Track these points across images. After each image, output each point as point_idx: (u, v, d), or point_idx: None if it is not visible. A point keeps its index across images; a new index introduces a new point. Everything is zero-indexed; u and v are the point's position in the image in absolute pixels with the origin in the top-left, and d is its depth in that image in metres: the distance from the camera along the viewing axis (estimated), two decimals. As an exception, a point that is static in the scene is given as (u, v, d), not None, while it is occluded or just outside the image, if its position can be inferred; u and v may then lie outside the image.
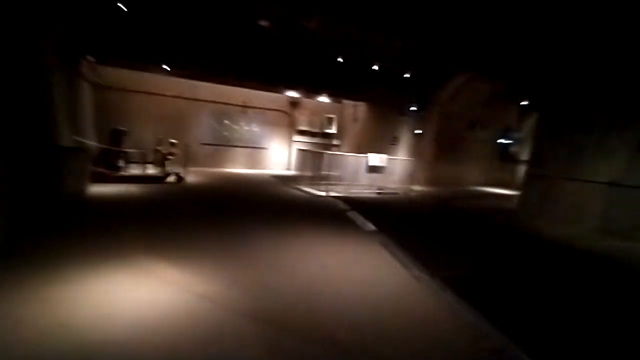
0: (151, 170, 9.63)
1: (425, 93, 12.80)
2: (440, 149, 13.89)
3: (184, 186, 8.79)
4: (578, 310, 3.55)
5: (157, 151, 9.92)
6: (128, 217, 5.52)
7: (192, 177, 10.50)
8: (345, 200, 8.68)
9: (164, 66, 10.48)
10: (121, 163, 9.68)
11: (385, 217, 7.28)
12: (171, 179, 9.12)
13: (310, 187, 9.82)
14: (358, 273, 3.96)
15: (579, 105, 7.73)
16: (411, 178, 10.96)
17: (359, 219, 6.69)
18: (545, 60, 7.94)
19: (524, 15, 6.78)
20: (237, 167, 14.24)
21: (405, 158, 11.04)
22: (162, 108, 12.66)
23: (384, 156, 10.18)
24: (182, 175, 9.20)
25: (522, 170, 18.30)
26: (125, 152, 9.77)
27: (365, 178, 10.13)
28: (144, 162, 9.72)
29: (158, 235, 4.64)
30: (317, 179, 9.68)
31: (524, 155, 17.94)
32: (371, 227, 6.18)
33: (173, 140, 9.38)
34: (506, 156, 16.92)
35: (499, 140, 16.43)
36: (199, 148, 13.45)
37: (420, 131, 13.28)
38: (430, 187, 13.16)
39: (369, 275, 3.94)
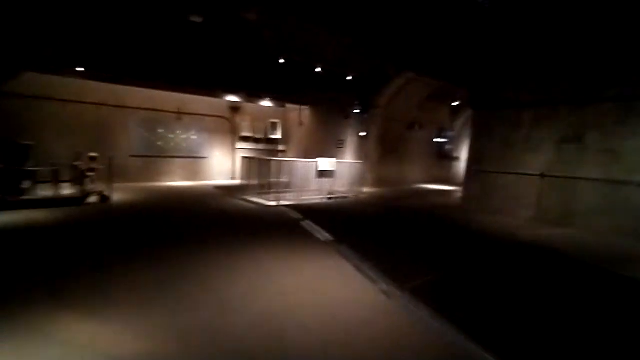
0: (68, 190, 8.21)
1: (368, 96, 12.96)
2: (384, 150, 14.21)
3: (109, 207, 7.60)
4: (542, 305, 3.58)
5: (74, 168, 8.50)
6: (26, 257, 4.42)
7: (121, 194, 9.22)
8: (298, 208, 8.26)
9: (79, 69, 9.08)
10: (25, 184, 8.11)
11: (341, 224, 7.02)
12: (93, 199, 7.85)
13: (258, 197, 9.22)
14: (322, 296, 3.57)
15: (508, 103, 8.30)
16: (360, 180, 10.92)
17: (315, 229, 6.32)
18: (478, 60, 8.41)
19: (459, 16, 7.06)
20: (175, 180, 13.00)
21: (353, 161, 10.98)
22: (80, 117, 11.01)
23: (333, 160, 9.98)
24: (106, 194, 7.97)
25: (456, 166, 19.70)
26: (30, 171, 8.22)
27: (316, 183, 9.83)
28: (57, 181, 8.25)
29: (69, 280, 3.62)
30: (265, 188, 9.13)
31: (457, 152, 19.34)
32: (328, 236, 5.85)
33: (93, 154, 8.08)
34: (442, 154, 18.00)
35: (435, 140, 17.39)
36: (129, 161, 12.00)
37: (365, 133, 13.42)
38: (377, 187, 13.34)
39: (335, 297, 3.57)
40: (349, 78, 11.38)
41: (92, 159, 8.05)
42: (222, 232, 5.90)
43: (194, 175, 13.55)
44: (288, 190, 9.22)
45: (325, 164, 9.67)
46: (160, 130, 12.66)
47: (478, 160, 8.79)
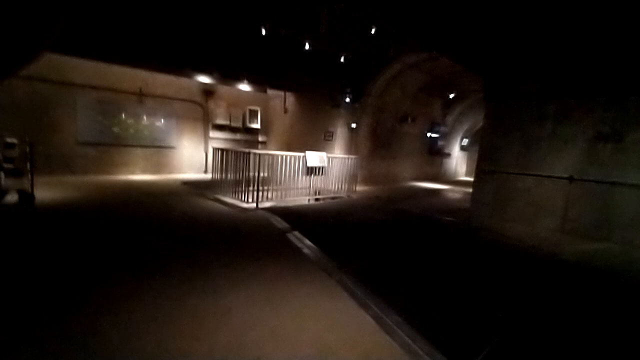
0: (-19, 186, 6.31)
1: (360, 82, 11.54)
2: (375, 144, 12.91)
3: (28, 211, 5.77)
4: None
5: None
6: None
7: (57, 192, 7.37)
8: (282, 213, 6.77)
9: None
10: None
11: (339, 237, 5.61)
12: (11, 199, 5.99)
13: (234, 197, 7.64)
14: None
15: (529, 93, 7.12)
16: (351, 178, 9.55)
17: (306, 245, 4.88)
18: (497, 41, 7.14)
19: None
20: (136, 173, 11.12)
21: (346, 155, 9.57)
22: (12, 95, 8.91)
23: (324, 154, 8.53)
24: (28, 191, 6.12)
25: (447, 163, 18.78)
26: None
27: (302, 181, 8.36)
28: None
29: None
30: (242, 186, 7.56)
31: (449, 148, 18.39)
32: (322, 256, 4.43)
33: (9, 140, 6.19)
34: (434, 150, 16.96)
35: (427, 134, 16.29)
36: (77, 149, 10.03)
37: (355, 125, 12.03)
38: (367, 185, 12.04)
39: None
40: (341, 59, 9.88)
41: (9, 145, 6.16)
42: (183, 251, 4.33)
43: (158, 167, 11.69)
44: (270, 188, 7.70)
45: (314, 158, 8.20)
46: (117, 114, 10.69)
47: (491, 159, 7.60)
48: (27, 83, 9.05)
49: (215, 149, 8.32)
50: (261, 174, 7.33)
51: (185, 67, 10.04)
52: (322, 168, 8.49)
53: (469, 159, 20.15)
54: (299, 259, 4.34)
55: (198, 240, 4.82)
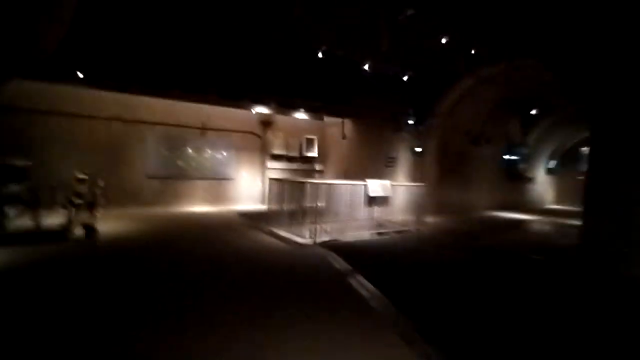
0: (55, 220, 6.55)
1: (426, 102, 10.52)
2: (445, 170, 11.51)
3: (91, 246, 5.73)
4: None
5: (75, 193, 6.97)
6: None
7: (121, 225, 7.45)
8: (342, 250, 5.88)
9: (81, 75, 7.67)
10: (11, 212, 6.60)
11: (407, 281, 4.52)
12: (78, 232, 6.05)
13: (289, 231, 6.98)
14: None
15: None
16: (419, 208, 8.34)
17: (374, 296, 3.89)
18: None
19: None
20: (197, 205, 11.23)
21: (411, 183, 8.46)
22: (91, 134, 9.68)
23: (387, 183, 7.57)
24: (93, 225, 6.14)
25: (530, 189, 16.29)
26: (18, 197, 6.73)
27: (364, 212, 7.43)
28: (50, 208, 6.70)
29: None
30: (298, 217, 6.88)
31: (531, 172, 15.99)
32: (395, 313, 3.41)
33: (81, 175, 6.38)
34: (513, 174, 14.82)
35: (504, 157, 14.35)
36: (145, 183, 10.45)
37: (421, 149, 10.89)
38: (435, 216, 10.60)
39: None
40: (404, 78, 9.06)
41: (80, 180, 6.33)
42: (223, 299, 3.66)
43: (217, 199, 11.72)
44: (327, 220, 6.91)
45: (376, 187, 7.28)
46: (181, 148, 11.07)
47: (613, 182, 5.89)
48: (106, 122, 9.79)
49: (270, 180, 7.89)
50: (318, 205, 6.61)
51: (243, 98, 10.10)
52: (386, 198, 7.50)
53: (558, 183, 17.31)
54: (366, 317, 3.37)
55: (253, 282, 4.14)
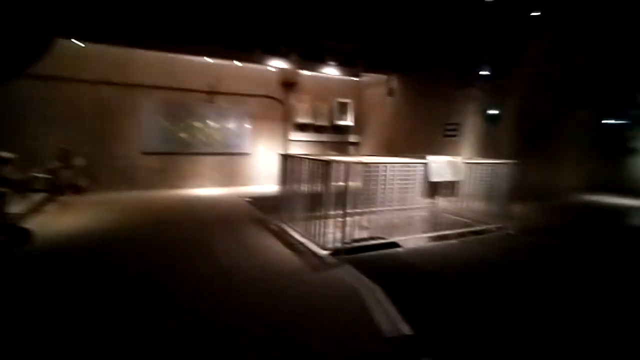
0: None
1: (508, 46, 7.37)
2: (528, 141, 8.39)
3: (14, 256, 3.84)
4: None
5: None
6: None
7: (96, 216, 5.60)
8: (384, 274, 3.46)
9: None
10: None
11: (503, 341, 2.01)
12: None
13: (305, 234, 4.67)
14: None
15: None
16: (506, 198, 5.58)
17: None
18: None
19: None
20: (205, 186, 9.29)
21: (494, 160, 5.63)
22: (73, 101, 7.88)
23: (459, 160, 4.89)
24: (22, 226, 4.22)
25: (634, 164, 12.43)
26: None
27: (421, 201, 4.89)
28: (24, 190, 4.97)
29: None
30: (319, 213, 4.51)
31: (636, 141, 12.07)
32: None
33: (5, 154, 4.45)
34: (615, 145, 11.15)
35: (605, 122, 10.72)
36: (141, 160, 8.62)
37: (497, 111, 7.87)
38: (517, 204, 7.69)
39: None
40: (476, 10, 6.05)
41: (4, 160, 4.40)
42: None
43: (231, 178, 9.68)
44: (364, 211, 4.49)
45: (442, 168, 4.65)
46: (184, 118, 9.03)
47: None
48: (89, 88, 7.92)
49: (282, 156, 5.53)
50: (350, 193, 4.19)
51: (253, 49, 7.67)
52: (454, 183, 4.85)
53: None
54: None
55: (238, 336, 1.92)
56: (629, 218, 7.31)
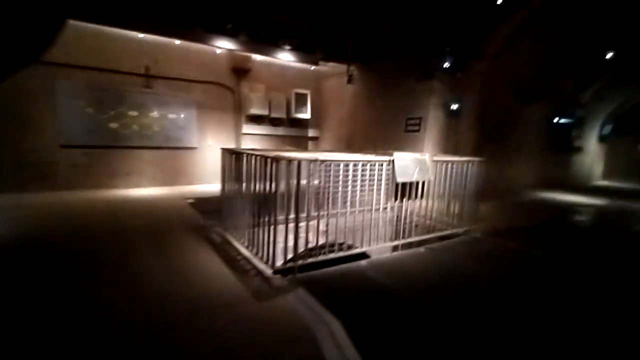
0: None
1: (469, 37, 7.08)
2: (484, 137, 8.29)
3: None
4: None
5: None
6: None
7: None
8: (347, 299, 2.83)
9: None
10: None
11: None
12: None
13: (250, 246, 3.90)
14: None
15: None
16: (471, 198, 5.24)
17: None
18: None
19: None
20: (143, 185, 8.10)
21: (462, 158, 5.23)
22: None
23: (426, 158, 4.39)
24: None
25: (577, 162, 13.11)
26: None
27: (385, 202, 4.32)
28: None
29: None
30: (271, 214, 3.75)
31: (581, 140, 12.71)
32: None
33: None
34: (561, 143, 11.61)
35: (554, 120, 11.08)
36: (60, 155, 7.23)
37: (457, 105, 7.61)
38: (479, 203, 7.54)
39: None
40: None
41: None
42: None
43: (174, 176, 8.56)
44: (322, 214, 3.82)
45: (408, 167, 4.11)
46: (115, 105, 7.72)
47: None
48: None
49: (225, 151, 4.68)
50: (306, 195, 3.51)
51: (194, 25, 6.64)
52: (423, 184, 4.36)
53: (609, 154, 14.12)
54: None
55: None
56: (582, 216, 7.43)
